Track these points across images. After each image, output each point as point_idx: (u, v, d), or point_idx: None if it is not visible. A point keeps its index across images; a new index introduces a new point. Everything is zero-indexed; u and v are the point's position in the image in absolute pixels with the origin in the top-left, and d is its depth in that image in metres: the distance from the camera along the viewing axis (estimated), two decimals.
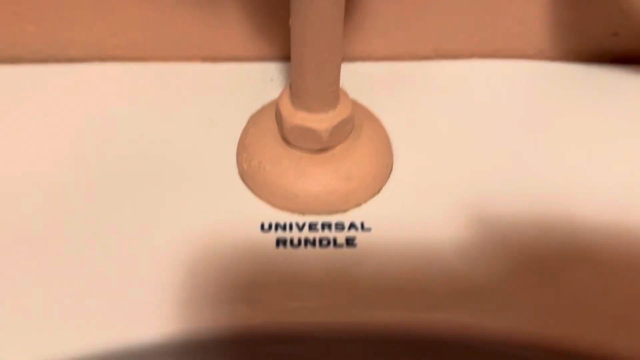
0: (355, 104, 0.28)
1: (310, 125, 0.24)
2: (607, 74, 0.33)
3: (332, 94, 0.24)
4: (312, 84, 0.24)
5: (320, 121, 0.24)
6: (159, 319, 0.22)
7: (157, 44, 0.33)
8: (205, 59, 0.33)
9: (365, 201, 0.26)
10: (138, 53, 0.33)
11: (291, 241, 0.25)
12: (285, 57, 0.33)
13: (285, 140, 0.26)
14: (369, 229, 0.25)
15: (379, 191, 0.26)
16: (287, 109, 0.25)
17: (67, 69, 0.32)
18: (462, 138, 0.29)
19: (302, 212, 0.26)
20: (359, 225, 0.25)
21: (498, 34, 0.33)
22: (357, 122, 0.27)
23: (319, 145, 0.25)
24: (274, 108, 0.26)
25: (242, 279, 0.23)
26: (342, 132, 0.25)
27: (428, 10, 0.31)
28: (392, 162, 0.28)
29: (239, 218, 0.25)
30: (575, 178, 0.27)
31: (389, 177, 0.27)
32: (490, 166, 0.28)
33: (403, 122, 0.29)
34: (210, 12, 0.31)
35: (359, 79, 0.31)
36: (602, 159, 0.28)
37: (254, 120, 0.28)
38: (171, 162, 0.28)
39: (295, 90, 0.24)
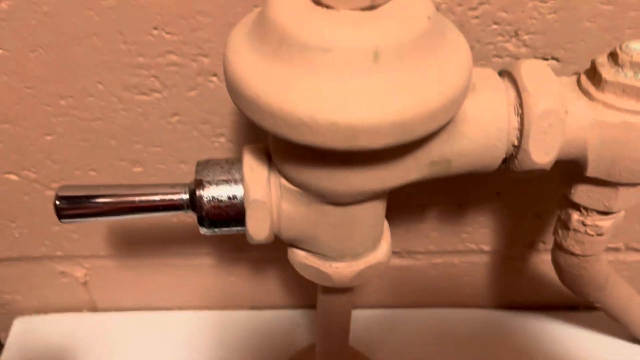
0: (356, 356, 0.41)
1: None
2: (528, 317, 0.47)
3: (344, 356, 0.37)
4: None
5: None
6: None
7: (216, 297, 0.46)
8: (252, 307, 0.47)
9: None
10: (203, 304, 0.47)
11: None
12: (309, 305, 0.47)
13: None
14: None
15: None
16: None
17: (146, 317, 0.46)
18: None
19: None
20: None
21: (457, 293, 0.47)
22: None
23: None
24: None
25: None
26: None
27: (409, 282, 0.45)
28: None
29: None
30: None
31: None
32: None
33: None
34: (257, 277, 0.45)
35: (358, 325, 0.45)
36: None
37: None
38: None
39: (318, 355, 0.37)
